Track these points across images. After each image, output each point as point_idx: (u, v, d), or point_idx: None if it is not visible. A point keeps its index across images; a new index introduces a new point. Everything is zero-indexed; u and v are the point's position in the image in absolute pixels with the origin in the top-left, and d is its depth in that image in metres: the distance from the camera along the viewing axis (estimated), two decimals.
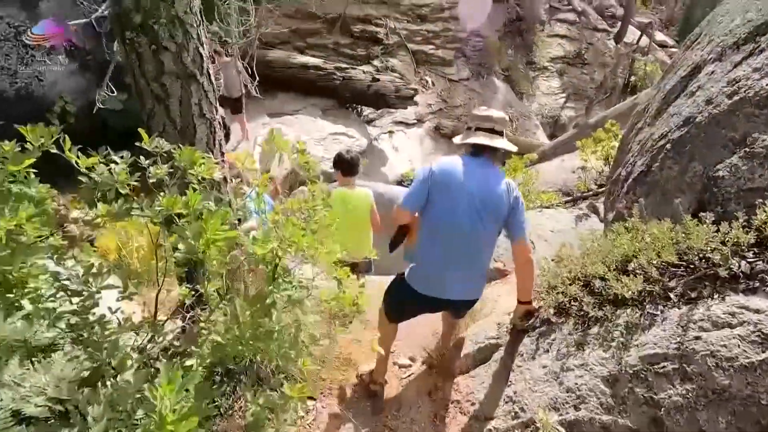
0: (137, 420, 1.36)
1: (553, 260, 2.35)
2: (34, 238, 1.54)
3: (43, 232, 1.69)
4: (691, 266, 1.70)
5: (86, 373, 1.54)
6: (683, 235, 1.77)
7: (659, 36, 16.36)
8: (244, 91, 7.07)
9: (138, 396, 1.42)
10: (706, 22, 2.67)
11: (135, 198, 1.61)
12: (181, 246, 1.54)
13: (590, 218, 4.53)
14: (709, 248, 1.65)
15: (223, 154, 2.29)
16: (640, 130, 2.76)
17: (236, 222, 2.20)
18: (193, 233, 1.52)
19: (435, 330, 2.92)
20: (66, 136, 1.47)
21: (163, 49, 1.85)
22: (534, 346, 2.02)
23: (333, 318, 2.30)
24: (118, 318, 1.74)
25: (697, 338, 1.48)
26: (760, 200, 1.69)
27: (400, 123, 11.22)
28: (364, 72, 9.93)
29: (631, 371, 1.57)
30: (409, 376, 2.68)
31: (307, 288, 1.73)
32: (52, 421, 1.36)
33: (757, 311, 1.42)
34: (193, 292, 2.11)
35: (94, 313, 1.64)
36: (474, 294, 2.23)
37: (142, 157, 1.71)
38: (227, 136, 7.01)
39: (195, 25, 1.92)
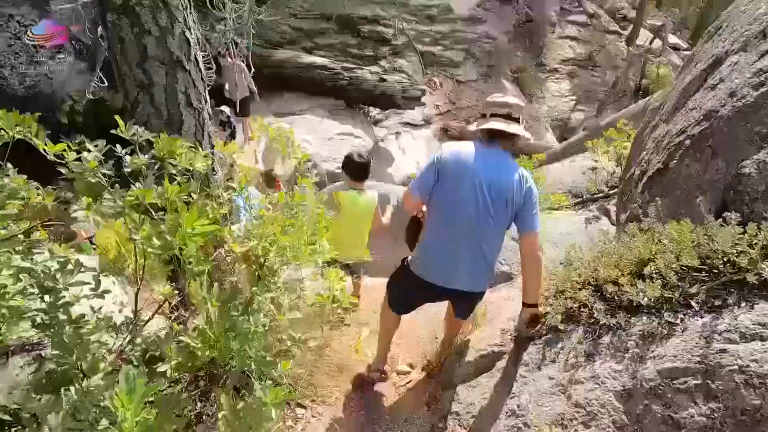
0: (100, 431, 1.24)
1: (561, 263, 2.20)
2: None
3: (18, 225, 1.59)
4: (715, 271, 1.54)
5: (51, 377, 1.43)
6: (705, 237, 1.61)
7: (672, 39, 16.06)
8: (248, 94, 7.00)
9: (104, 404, 1.30)
10: (727, 12, 2.51)
11: (110, 189, 1.50)
12: (155, 241, 1.42)
13: (600, 221, 4.35)
14: (735, 251, 1.49)
15: (213, 146, 2.18)
16: (655, 127, 2.60)
17: (225, 217, 2.09)
18: (168, 227, 1.40)
19: (436, 334, 2.78)
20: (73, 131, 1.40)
21: (145, 33, 1.74)
22: (540, 355, 1.87)
23: (326, 322, 2.17)
24: (98, 317, 1.64)
25: (723, 351, 1.33)
26: None
27: (407, 124, 11.09)
28: (371, 72, 9.83)
29: (647, 386, 1.42)
30: (407, 383, 2.54)
31: (293, 290, 1.61)
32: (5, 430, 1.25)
33: None
34: (177, 291, 1.99)
35: (68, 312, 1.54)
36: (479, 286, 2.14)
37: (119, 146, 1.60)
38: (232, 136, 6.94)
39: (181, 9, 1.81)
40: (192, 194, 1.74)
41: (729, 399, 1.27)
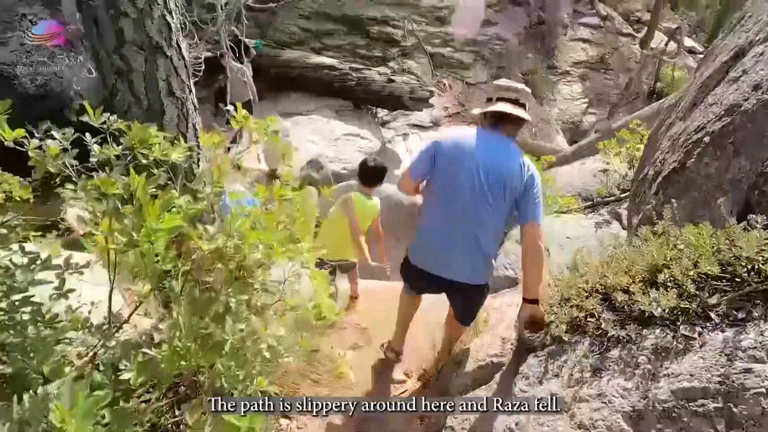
0: None
1: (568, 267, 2.05)
2: None
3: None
4: (738, 280, 1.38)
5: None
6: (727, 241, 1.45)
7: (688, 42, 15.72)
8: (251, 97, 6.90)
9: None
10: (751, 2, 2.34)
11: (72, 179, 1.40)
12: (119, 236, 1.31)
13: (611, 225, 4.17)
14: (761, 258, 1.34)
15: (197, 137, 2.07)
16: (671, 125, 2.44)
17: (209, 214, 1.97)
18: (132, 222, 1.29)
19: (435, 342, 2.64)
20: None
21: (121, 15, 1.64)
22: (542, 368, 1.72)
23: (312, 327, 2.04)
24: (67, 317, 1.53)
25: (747, 371, 1.17)
26: None
27: (416, 126, 10.95)
28: (379, 73, 9.72)
29: (660, 408, 1.27)
30: (402, 393, 2.40)
31: (273, 293, 1.48)
32: None
33: None
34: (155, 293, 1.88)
35: (39, 312, 1.44)
36: (476, 278, 2.06)
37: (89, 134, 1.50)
38: (238, 136, 6.84)
39: None
40: (175, 187, 1.64)
41: (755, 426, 1.11)
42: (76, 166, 1.42)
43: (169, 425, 1.53)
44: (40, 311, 1.44)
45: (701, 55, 13.96)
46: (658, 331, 1.43)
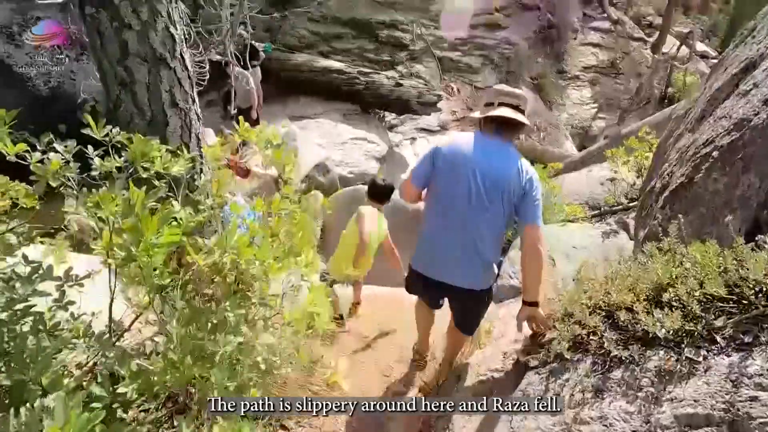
0: None
1: (574, 280, 2.02)
2: None
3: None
4: (745, 302, 1.35)
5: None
6: (734, 261, 1.42)
7: (700, 46, 15.54)
8: (253, 103, 6.88)
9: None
10: (763, 13, 2.30)
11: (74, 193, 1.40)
12: (118, 251, 1.31)
13: (619, 235, 4.11)
14: None
15: (200, 147, 2.07)
16: (680, 136, 2.40)
17: (210, 225, 1.97)
18: (131, 236, 1.29)
19: (436, 354, 2.62)
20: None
21: (125, 27, 1.65)
22: (543, 386, 1.69)
23: (312, 338, 2.03)
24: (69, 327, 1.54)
25: (754, 399, 1.14)
26: None
27: (423, 130, 10.95)
28: (387, 77, 9.73)
29: None
30: None
31: (271, 307, 1.48)
32: None
33: None
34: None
35: (42, 321, 1.45)
36: (476, 283, 2.05)
37: (90, 147, 1.51)
38: (243, 145, 6.84)
39: (165, 2, 1.71)
40: (174, 201, 1.64)
41: None
42: (78, 177, 1.43)
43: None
44: (42, 320, 1.45)
45: (714, 60, 13.79)
46: (661, 352, 1.40)
